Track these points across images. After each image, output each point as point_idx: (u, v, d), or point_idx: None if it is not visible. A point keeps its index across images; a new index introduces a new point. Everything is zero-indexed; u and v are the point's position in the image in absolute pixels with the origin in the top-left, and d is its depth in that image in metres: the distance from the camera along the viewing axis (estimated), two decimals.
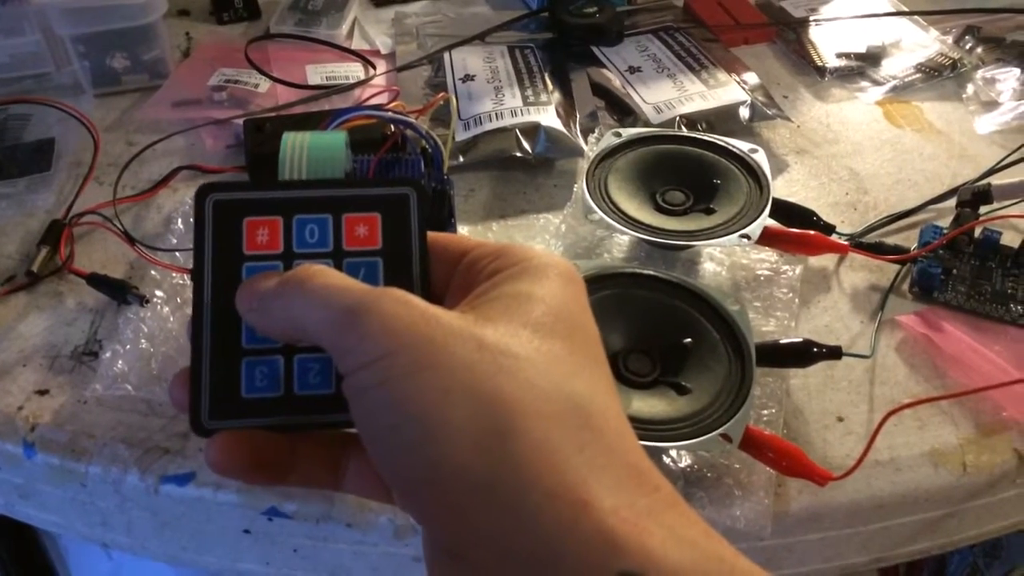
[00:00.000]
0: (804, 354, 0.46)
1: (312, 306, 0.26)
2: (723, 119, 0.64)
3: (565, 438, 0.24)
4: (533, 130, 0.62)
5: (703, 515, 0.30)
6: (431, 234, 0.31)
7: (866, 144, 0.66)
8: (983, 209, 0.55)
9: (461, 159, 0.61)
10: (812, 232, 0.52)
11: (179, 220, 0.55)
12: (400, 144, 0.51)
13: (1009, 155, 0.61)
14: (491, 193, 0.60)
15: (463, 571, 0.24)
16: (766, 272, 0.53)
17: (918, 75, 0.72)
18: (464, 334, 0.25)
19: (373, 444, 0.26)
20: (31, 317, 0.51)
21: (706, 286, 0.47)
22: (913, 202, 0.59)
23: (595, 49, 0.73)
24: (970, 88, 0.71)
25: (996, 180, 0.56)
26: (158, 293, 0.50)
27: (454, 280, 0.30)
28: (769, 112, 0.65)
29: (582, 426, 0.24)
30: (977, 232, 0.54)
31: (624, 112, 0.66)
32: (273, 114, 0.64)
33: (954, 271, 0.53)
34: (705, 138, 0.57)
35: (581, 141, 0.62)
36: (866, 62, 0.73)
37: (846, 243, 0.53)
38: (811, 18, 0.78)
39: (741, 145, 0.56)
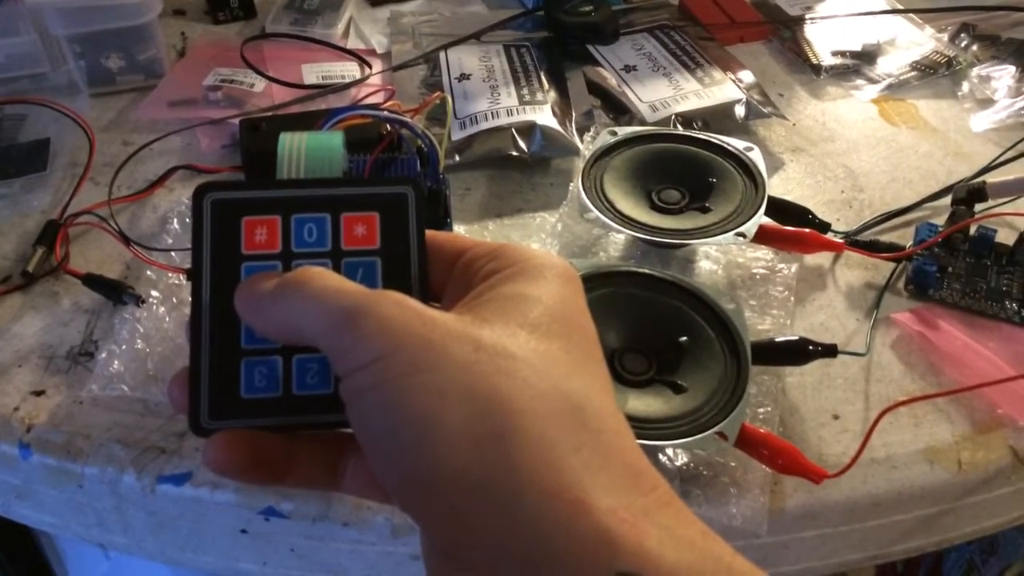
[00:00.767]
0: (800, 352, 0.46)
1: (310, 309, 0.26)
2: (719, 117, 0.64)
3: (562, 438, 0.24)
4: (529, 129, 0.62)
5: (699, 513, 0.30)
6: (428, 233, 0.31)
7: (861, 142, 0.66)
8: (978, 207, 0.55)
9: (457, 158, 0.61)
10: (808, 230, 0.52)
11: (175, 220, 0.55)
12: (396, 143, 0.51)
13: (1004, 153, 0.61)
14: (487, 192, 0.60)
15: (461, 571, 0.24)
16: (762, 270, 0.53)
17: (913, 73, 0.72)
18: (461, 335, 0.25)
19: (370, 446, 0.26)
20: (27, 317, 0.51)
21: (702, 284, 0.47)
22: (908, 200, 0.59)
23: (591, 48, 0.73)
24: (965, 86, 0.71)
25: (991, 178, 0.56)
26: (154, 293, 0.50)
27: (451, 280, 0.30)
28: (765, 110, 0.65)
29: (579, 426, 0.24)
30: (972, 230, 0.54)
31: (620, 111, 0.66)
32: (269, 114, 0.64)
33: (949, 269, 0.53)
34: (701, 136, 0.57)
35: (577, 140, 0.62)
36: (861, 60, 0.73)
37: (842, 241, 0.53)
38: (806, 16, 0.78)
39: (737, 143, 0.56)
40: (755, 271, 0.53)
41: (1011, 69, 0.71)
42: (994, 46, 0.74)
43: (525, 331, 0.26)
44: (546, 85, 0.67)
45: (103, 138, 0.64)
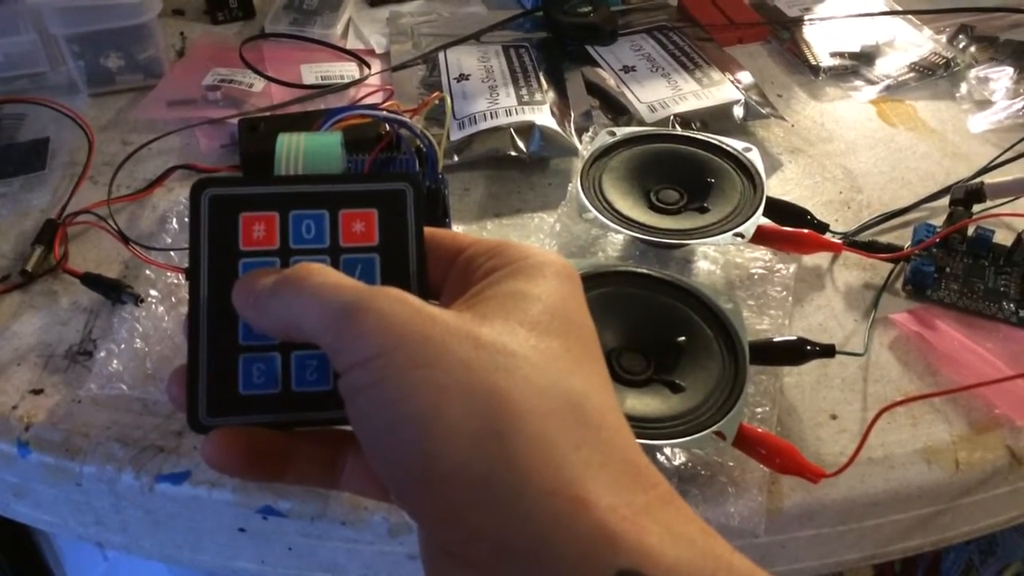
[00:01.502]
0: (798, 352, 0.46)
1: (308, 305, 0.26)
2: (717, 118, 0.64)
3: (562, 435, 0.24)
4: (528, 129, 0.62)
5: (697, 513, 0.30)
6: (427, 230, 0.31)
7: (860, 143, 0.66)
8: (976, 207, 0.55)
9: (456, 158, 0.61)
10: (806, 231, 0.52)
11: (174, 219, 0.55)
12: (394, 143, 0.51)
13: (1002, 154, 0.61)
14: (486, 192, 0.60)
15: (460, 569, 0.24)
16: (760, 271, 0.53)
17: (912, 74, 0.72)
18: (461, 332, 0.25)
19: (369, 443, 0.26)
20: (25, 316, 0.51)
21: (700, 284, 0.47)
22: (906, 201, 0.59)
23: (589, 48, 0.73)
24: (963, 87, 0.71)
25: (989, 179, 0.56)
26: (152, 292, 0.50)
27: (450, 277, 0.30)
28: (763, 111, 0.65)
29: (579, 423, 0.24)
30: (970, 230, 0.54)
31: (618, 111, 0.66)
32: (268, 114, 0.64)
33: (947, 269, 0.53)
34: (699, 137, 0.57)
35: (575, 140, 0.62)
36: (860, 61, 0.73)
37: (840, 242, 0.53)
38: (805, 17, 0.78)
39: (735, 144, 0.56)
40: (753, 271, 0.53)
41: (1009, 70, 0.71)
42: (992, 47, 0.74)
43: (525, 329, 0.26)
44: (545, 85, 0.67)
45: (102, 137, 0.64)
